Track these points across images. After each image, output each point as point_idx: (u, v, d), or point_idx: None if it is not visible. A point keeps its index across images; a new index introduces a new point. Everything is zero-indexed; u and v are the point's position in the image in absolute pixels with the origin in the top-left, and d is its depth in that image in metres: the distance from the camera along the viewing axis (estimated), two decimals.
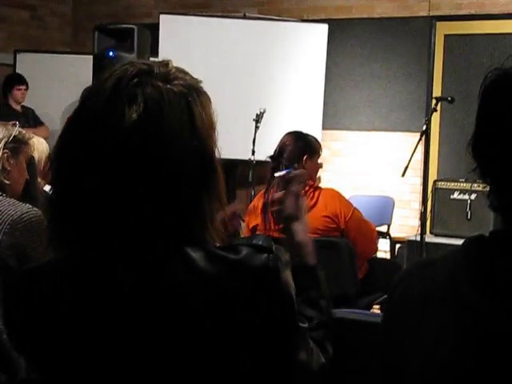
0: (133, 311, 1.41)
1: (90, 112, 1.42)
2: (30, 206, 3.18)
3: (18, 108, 8.85)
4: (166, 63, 1.50)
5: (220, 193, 1.49)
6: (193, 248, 1.41)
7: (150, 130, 1.39)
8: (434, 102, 6.44)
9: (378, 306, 5.44)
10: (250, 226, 4.67)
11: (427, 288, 1.42)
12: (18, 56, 9.50)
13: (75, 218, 1.42)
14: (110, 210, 1.39)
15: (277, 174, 1.96)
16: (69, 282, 1.45)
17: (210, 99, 1.50)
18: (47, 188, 4.16)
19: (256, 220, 4.56)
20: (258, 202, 4.68)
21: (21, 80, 8.87)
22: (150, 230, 1.40)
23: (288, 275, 1.46)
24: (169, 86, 1.44)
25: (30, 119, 8.77)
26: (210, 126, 1.48)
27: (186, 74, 1.51)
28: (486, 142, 1.38)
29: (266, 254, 1.42)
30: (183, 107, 1.43)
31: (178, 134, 1.41)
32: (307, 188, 4.54)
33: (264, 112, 7.35)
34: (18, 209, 3.14)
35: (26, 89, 8.84)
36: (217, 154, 1.49)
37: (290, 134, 4.86)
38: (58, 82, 9.25)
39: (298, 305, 1.55)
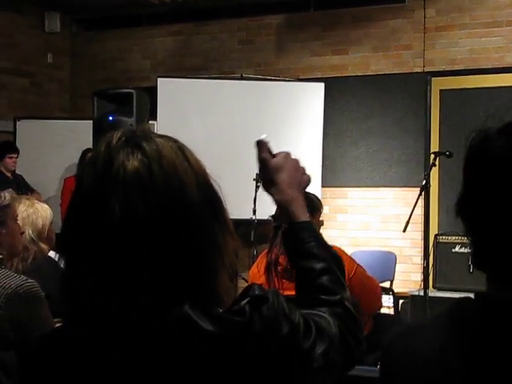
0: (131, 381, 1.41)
1: (91, 177, 1.43)
2: (25, 278, 3.17)
3: (9, 175, 8.95)
4: (144, 126, 1.55)
5: (228, 224, 1.51)
6: (198, 311, 1.41)
7: (153, 169, 1.41)
8: (432, 156, 6.47)
9: None
10: None
11: (417, 354, 1.43)
12: (17, 123, 9.63)
13: (83, 282, 1.42)
14: (120, 265, 1.39)
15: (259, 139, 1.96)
16: (75, 351, 1.45)
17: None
18: (52, 254, 4.16)
19: (260, 280, 4.54)
20: (260, 262, 4.67)
21: (13, 148, 9.03)
22: (158, 291, 1.40)
23: (285, 312, 1.46)
24: (158, 137, 1.49)
25: (22, 186, 8.81)
26: (203, 167, 1.50)
27: None
28: (470, 204, 1.40)
29: (265, 306, 1.43)
30: (176, 149, 1.47)
31: (179, 172, 1.44)
32: None
33: None
34: (12, 282, 3.12)
35: (17, 156, 8.96)
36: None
37: None
38: (58, 148, 9.34)
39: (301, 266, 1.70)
